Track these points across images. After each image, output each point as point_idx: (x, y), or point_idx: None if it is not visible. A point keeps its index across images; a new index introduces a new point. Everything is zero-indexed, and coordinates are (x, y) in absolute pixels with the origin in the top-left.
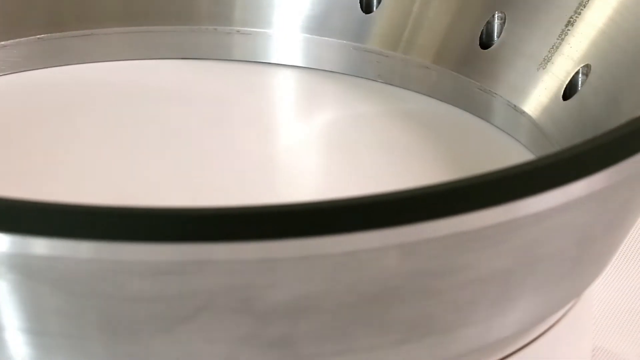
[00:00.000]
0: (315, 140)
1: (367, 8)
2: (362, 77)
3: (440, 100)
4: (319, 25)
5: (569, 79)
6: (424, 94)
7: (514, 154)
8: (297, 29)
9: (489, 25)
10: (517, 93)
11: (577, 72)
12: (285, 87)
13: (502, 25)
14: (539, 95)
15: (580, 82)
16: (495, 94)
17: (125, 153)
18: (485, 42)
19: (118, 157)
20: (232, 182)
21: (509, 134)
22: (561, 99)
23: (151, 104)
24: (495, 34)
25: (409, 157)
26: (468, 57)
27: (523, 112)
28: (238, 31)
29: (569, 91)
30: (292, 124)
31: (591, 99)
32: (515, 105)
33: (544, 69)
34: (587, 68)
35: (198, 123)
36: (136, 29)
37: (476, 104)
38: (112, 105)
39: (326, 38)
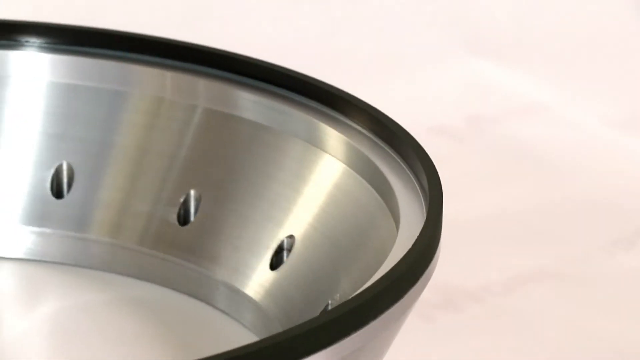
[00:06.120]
0: (39, 332)
1: (57, 194)
2: (83, 267)
3: (165, 287)
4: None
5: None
6: (149, 282)
7: (236, 336)
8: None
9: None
10: (237, 275)
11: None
12: (4, 280)
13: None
14: (259, 277)
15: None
16: (217, 279)
17: None
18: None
19: None
20: None
21: (232, 317)
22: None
23: None
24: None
25: (136, 344)
26: (181, 242)
27: (244, 295)
28: None
29: (275, 263)
30: (15, 317)
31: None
32: (236, 288)
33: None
34: (291, 239)
35: None
36: None
37: (199, 288)
38: None
39: (44, 229)
